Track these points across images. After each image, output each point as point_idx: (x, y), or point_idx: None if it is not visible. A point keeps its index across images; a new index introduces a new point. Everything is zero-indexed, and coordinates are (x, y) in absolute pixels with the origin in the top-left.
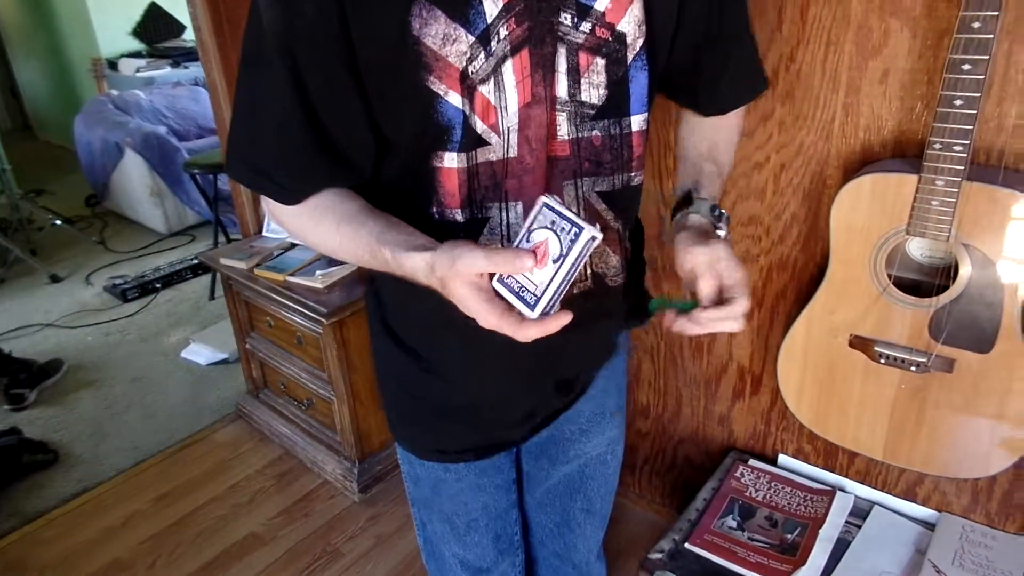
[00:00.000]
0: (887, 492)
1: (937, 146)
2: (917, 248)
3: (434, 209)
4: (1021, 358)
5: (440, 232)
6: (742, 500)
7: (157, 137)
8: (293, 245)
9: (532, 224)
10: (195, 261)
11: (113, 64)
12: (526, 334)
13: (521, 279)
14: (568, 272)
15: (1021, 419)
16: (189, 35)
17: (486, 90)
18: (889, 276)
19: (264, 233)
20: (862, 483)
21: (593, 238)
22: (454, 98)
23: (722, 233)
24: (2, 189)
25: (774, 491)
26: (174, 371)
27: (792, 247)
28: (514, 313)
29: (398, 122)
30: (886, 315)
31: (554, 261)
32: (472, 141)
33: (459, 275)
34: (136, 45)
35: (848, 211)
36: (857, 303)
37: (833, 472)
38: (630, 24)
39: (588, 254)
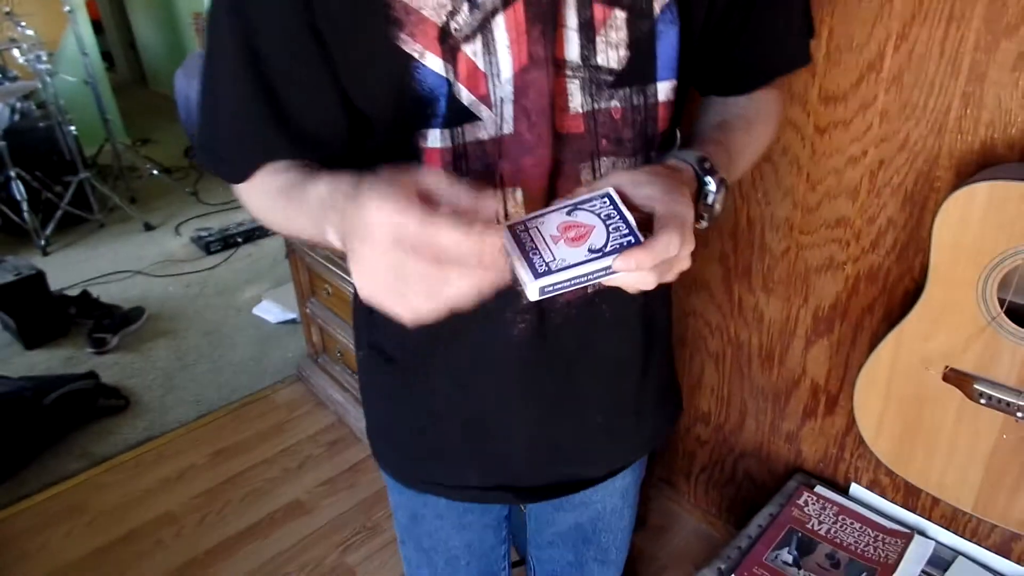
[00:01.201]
0: (976, 543)
1: None
2: None
3: None
4: None
5: None
6: (802, 532)
7: None
8: None
9: (582, 203)
10: None
11: None
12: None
13: (542, 240)
14: (598, 270)
15: None
16: None
17: (472, 51)
18: (1001, 303)
19: None
20: (947, 528)
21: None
22: (433, 61)
23: (709, 198)
24: (108, 137)
25: (841, 526)
26: (245, 327)
27: (886, 256)
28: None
29: (370, 92)
30: (993, 349)
31: (590, 251)
32: (458, 115)
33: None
34: None
35: (956, 223)
36: (958, 331)
37: (914, 512)
38: None
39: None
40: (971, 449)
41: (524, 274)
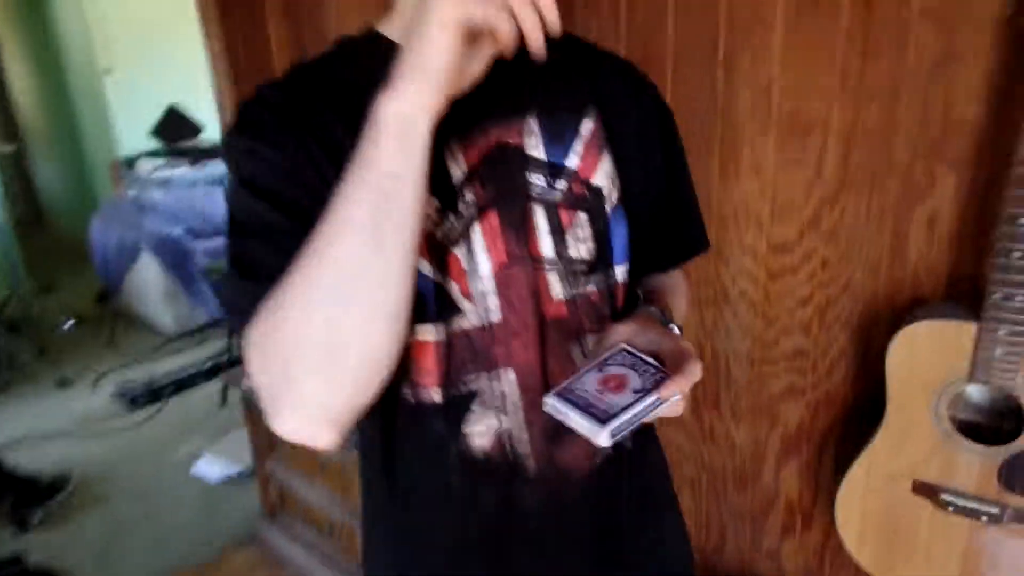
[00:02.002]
0: None
1: (997, 296)
2: (979, 393)
3: (407, 390)
4: None
5: (416, 418)
6: None
7: (173, 239)
8: None
9: (606, 360)
10: (207, 365)
11: (131, 163)
12: None
13: (591, 396)
14: (648, 406)
15: None
16: (206, 135)
17: (460, 253)
18: (952, 419)
19: None
20: None
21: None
22: (423, 265)
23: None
24: (12, 289)
25: None
26: (184, 487)
27: (841, 383)
28: None
29: None
30: (951, 461)
31: (635, 392)
32: (448, 309)
33: None
34: (155, 145)
35: (904, 358)
36: (919, 447)
37: None
38: (604, 179)
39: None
40: (945, 554)
41: (589, 427)
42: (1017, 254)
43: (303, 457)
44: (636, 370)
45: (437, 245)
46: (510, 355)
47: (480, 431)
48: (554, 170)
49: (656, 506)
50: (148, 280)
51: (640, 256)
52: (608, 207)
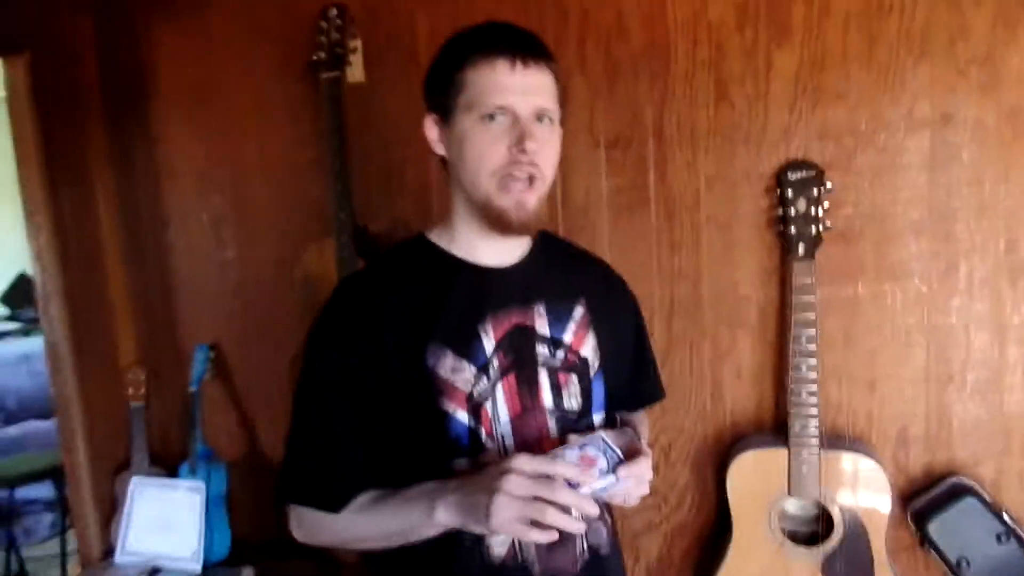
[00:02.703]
0: None
1: (797, 427)
2: (797, 505)
3: None
4: None
5: (450, 533)
6: None
7: None
8: (156, 570)
9: (586, 445)
10: None
11: None
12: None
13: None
14: (609, 484)
15: None
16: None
17: (488, 407)
18: (783, 530)
19: (116, 559)
20: None
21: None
22: (462, 415)
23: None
24: None
25: None
26: None
27: (688, 512)
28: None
29: (414, 440)
30: (787, 565)
31: (601, 472)
32: (477, 446)
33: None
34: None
35: (740, 483)
36: (762, 558)
37: None
38: (589, 350)
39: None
40: None
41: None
42: (805, 393)
43: None
44: (606, 455)
45: (473, 400)
46: None
47: (499, 541)
48: (555, 343)
49: None
50: None
51: (618, 402)
52: (592, 371)
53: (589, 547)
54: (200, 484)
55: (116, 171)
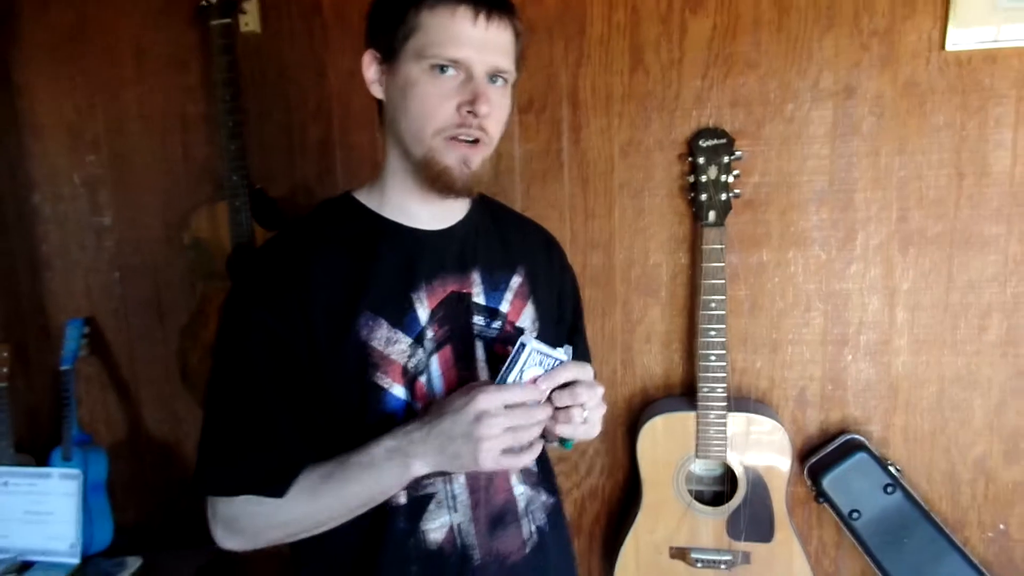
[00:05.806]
0: None
1: (705, 390)
2: (704, 466)
3: None
4: (793, 543)
5: (380, 518)
6: None
7: None
8: (27, 565)
9: (524, 365)
10: None
11: None
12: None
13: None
14: (559, 368)
15: None
16: None
17: (423, 380)
18: (690, 492)
19: None
20: None
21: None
22: (398, 390)
23: None
24: None
25: None
26: None
27: (599, 478)
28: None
29: (346, 413)
30: (694, 525)
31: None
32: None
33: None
34: None
35: (650, 446)
36: (671, 520)
37: None
38: (526, 321)
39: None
40: None
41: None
42: (712, 357)
43: None
44: (543, 365)
45: (408, 374)
46: None
47: (435, 527)
48: (491, 312)
49: None
50: None
51: None
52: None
53: (537, 529)
54: (76, 471)
55: None
